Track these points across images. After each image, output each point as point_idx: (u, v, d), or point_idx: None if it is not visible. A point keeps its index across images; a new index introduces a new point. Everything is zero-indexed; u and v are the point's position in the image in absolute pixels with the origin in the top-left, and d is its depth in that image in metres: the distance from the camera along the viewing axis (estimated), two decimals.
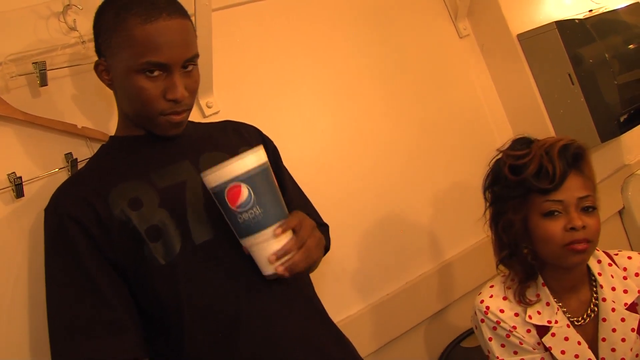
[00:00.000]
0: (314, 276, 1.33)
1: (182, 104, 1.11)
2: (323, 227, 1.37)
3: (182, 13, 1.10)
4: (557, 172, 1.26)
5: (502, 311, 1.32)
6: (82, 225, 1.06)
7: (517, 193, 1.31)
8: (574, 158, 1.28)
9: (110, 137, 1.23)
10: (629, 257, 1.37)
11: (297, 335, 1.09)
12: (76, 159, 1.32)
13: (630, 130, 2.03)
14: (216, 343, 1.06)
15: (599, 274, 1.35)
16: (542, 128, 2.05)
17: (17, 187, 1.25)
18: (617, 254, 1.39)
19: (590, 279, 1.36)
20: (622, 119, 1.98)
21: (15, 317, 1.23)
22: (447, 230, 1.93)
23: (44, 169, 1.30)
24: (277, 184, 1.08)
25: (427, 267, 1.88)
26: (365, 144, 1.82)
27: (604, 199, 2.07)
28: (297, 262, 1.04)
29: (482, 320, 1.34)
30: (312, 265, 1.32)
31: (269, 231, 1.02)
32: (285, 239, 1.04)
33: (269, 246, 1.03)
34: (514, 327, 1.31)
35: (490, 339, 1.33)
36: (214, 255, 1.10)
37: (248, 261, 1.10)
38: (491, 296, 1.35)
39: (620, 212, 2.19)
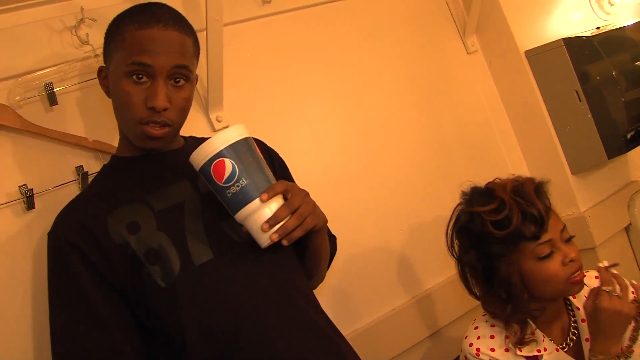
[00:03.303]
0: (317, 290, 1.34)
1: (162, 116, 1.09)
2: (331, 238, 1.37)
3: (182, 28, 1.11)
4: (543, 214, 1.26)
5: (492, 350, 1.33)
6: (81, 251, 1.06)
7: (509, 247, 1.28)
8: (545, 195, 1.31)
9: (112, 156, 1.23)
10: (597, 277, 1.33)
11: (297, 356, 1.08)
12: (87, 171, 1.33)
13: (637, 147, 2.03)
14: None
15: (574, 297, 1.38)
16: (549, 144, 2.05)
17: (29, 199, 1.26)
18: (584, 275, 1.35)
19: (566, 304, 1.40)
20: (629, 136, 1.98)
21: (24, 327, 1.24)
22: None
23: (55, 182, 1.31)
24: (262, 156, 1.08)
25: (435, 281, 1.87)
26: (373, 160, 1.83)
27: (611, 215, 2.11)
28: (291, 228, 1.04)
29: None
30: (319, 270, 1.31)
31: (257, 200, 1.03)
32: (275, 206, 1.04)
33: (260, 215, 1.03)
34: None
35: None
36: (214, 275, 1.09)
37: (249, 280, 1.10)
38: (478, 337, 1.36)
39: (627, 229, 2.19)
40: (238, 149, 1.03)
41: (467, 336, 1.38)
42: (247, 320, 1.07)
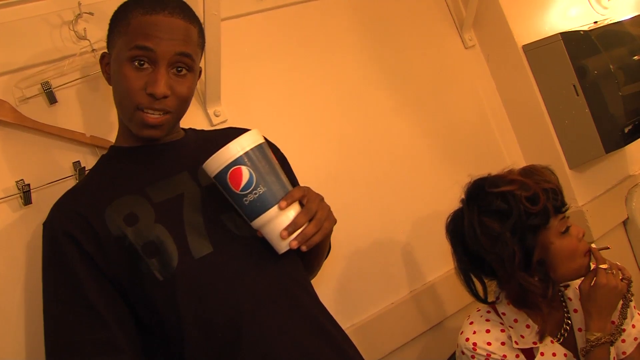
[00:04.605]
0: (316, 283, 1.33)
1: (161, 103, 1.08)
2: None
3: (188, 17, 1.10)
4: (560, 187, 1.31)
5: (489, 344, 1.33)
6: (77, 241, 1.04)
7: (543, 221, 1.27)
8: (552, 172, 1.34)
9: (110, 146, 1.22)
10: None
11: (298, 351, 1.07)
12: (84, 167, 1.33)
13: (634, 141, 2.04)
14: (217, 358, 1.04)
15: (565, 289, 1.40)
16: (547, 139, 2.06)
17: (25, 194, 1.25)
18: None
19: (559, 295, 1.40)
20: (626, 130, 1.98)
21: (22, 323, 1.24)
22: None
23: (52, 177, 1.31)
24: (277, 162, 1.07)
25: (435, 274, 1.88)
26: (370, 154, 1.83)
27: (609, 209, 2.11)
28: (310, 235, 1.04)
29: (473, 357, 1.34)
30: (318, 266, 1.31)
31: (275, 208, 1.02)
32: (293, 212, 1.04)
33: (279, 223, 1.03)
34: (504, 356, 1.31)
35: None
36: (214, 269, 1.08)
37: (249, 274, 1.09)
38: (474, 332, 1.36)
39: (625, 223, 2.19)
40: (254, 156, 1.02)
41: (462, 331, 1.38)
42: (247, 314, 1.06)
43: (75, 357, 1.02)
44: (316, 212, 1.06)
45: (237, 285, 1.08)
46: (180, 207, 1.11)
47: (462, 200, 1.39)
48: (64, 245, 1.05)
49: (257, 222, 1.04)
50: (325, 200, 1.18)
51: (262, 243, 1.08)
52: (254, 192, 1.02)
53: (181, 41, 1.08)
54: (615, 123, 1.97)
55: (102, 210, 1.07)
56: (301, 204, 1.07)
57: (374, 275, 1.77)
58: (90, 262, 1.05)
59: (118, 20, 1.10)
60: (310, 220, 1.05)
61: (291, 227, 1.03)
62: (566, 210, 1.31)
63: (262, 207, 1.02)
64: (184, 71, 1.10)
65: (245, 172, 1.01)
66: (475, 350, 1.33)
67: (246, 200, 1.02)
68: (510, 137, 2.14)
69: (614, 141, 1.98)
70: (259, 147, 1.04)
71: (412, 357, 1.80)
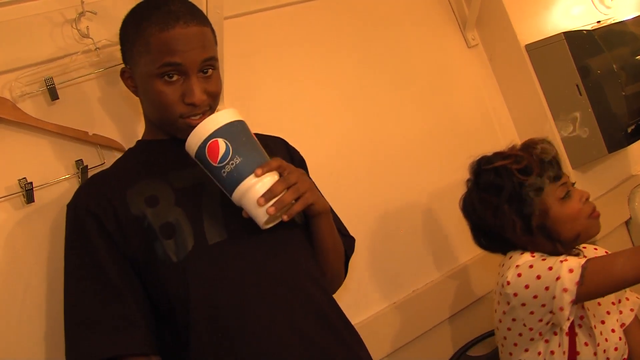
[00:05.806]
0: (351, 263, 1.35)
1: (201, 107, 1.12)
2: (348, 239, 1.37)
3: (200, 20, 1.12)
4: (556, 157, 1.41)
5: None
6: (99, 220, 1.08)
7: (537, 191, 1.36)
8: (551, 144, 1.44)
9: (137, 141, 1.25)
10: (595, 249, 1.51)
11: (302, 345, 1.08)
12: (87, 165, 1.32)
13: (637, 141, 2.03)
14: (221, 345, 1.06)
15: (584, 247, 1.49)
16: (550, 138, 2.03)
17: (28, 193, 1.25)
18: (585, 247, 1.52)
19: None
20: (629, 130, 1.98)
21: (26, 321, 1.23)
22: (458, 237, 1.93)
23: (54, 175, 1.31)
24: (256, 139, 1.08)
25: (436, 274, 1.88)
26: (374, 152, 1.83)
27: (611, 209, 2.11)
28: (288, 201, 1.04)
29: (517, 266, 1.34)
30: (329, 267, 1.30)
31: (252, 176, 1.02)
32: (270, 181, 1.04)
33: (256, 191, 1.03)
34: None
35: (532, 255, 1.35)
36: (226, 256, 1.10)
37: (259, 263, 1.11)
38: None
39: (627, 223, 2.19)
40: (230, 129, 1.04)
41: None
42: (252, 303, 1.07)
43: (91, 332, 1.04)
44: (295, 183, 1.06)
45: (246, 275, 1.09)
46: (200, 194, 1.14)
47: (467, 180, 1.50)
48: (86, 222, 1.09)
49: (236, 194, 1.03)
50: (331, 194, 1.18)
51: (276, 235, 1.09)
52: (231, 162, 1.02)
53: (203, 48, 1.11)
54: (618, 123, 1.97)
55: (125, 191, 1.11)
56: (280, 175, 1.07)
57: (377, 274, 1.77)
58: (110, 240, 1.08)
59: (133, 39, 1.12)
60: (289, 189, 1.05)
61: (268, 194, 1.02)
62: (562, 176, 1.39)
63: (239, 177, 1.02)
64: (210, 71, 1.14)
65: (222, 144, 1.02)
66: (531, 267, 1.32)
67: (224, 172, 1.03)
68: (512, 136, 2.13)
69: (617, 141, 1.98)
70: (235, 122, 1.05)
71: (423, 352, 1.81)
